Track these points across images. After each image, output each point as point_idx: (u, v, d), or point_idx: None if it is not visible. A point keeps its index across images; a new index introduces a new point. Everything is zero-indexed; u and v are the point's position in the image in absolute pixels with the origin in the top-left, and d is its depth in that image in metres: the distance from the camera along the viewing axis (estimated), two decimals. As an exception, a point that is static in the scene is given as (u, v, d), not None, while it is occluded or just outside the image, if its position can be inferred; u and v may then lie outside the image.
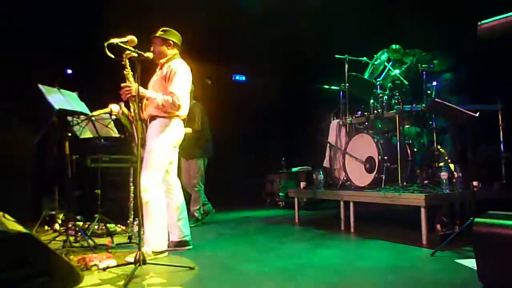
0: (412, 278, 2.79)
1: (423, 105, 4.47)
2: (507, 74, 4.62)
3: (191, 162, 5.37)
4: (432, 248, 3.33)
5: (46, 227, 4.88)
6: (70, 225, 3.90)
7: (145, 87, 3.60)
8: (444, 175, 3.97)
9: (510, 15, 1.36)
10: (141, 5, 5.98)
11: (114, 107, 3.66)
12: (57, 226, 4.76)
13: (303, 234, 4.63)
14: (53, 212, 4.99)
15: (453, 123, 4.20)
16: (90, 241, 3.75)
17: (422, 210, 3.66)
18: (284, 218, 5.95)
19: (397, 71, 4.91)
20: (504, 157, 4.50)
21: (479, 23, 1.43)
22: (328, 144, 5.43)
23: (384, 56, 5.08)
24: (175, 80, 3.51)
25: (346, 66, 5.04)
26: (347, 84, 5.06)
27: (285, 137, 7.69)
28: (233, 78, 9.05)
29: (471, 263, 2.73)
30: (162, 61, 3.70)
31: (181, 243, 3.74)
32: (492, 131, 4.57)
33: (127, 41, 3.13)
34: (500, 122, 4.56)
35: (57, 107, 3.58)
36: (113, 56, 3.11)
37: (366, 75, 5.15)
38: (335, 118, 5.51)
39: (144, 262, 2.84)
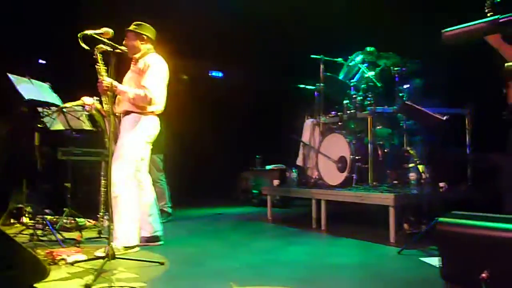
0: (379, 274, 2.88)
1: (395, 107, 4.57)
2: (475, 79, 4.77)
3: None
4: (399, 246, 3.42)
5: (12, 220, 4.75)
6: (38, 219, 3.82)
7: (120, 81, 3.54)
8: (412, 175, 4.08)
9: (470, 25, 1.45)
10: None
11: (87, 100, 3.61)
12: (24, 219, 4.65)
13: (275, 231, 4.68)
14: (21, 205, 4.87)
15: (422, 125, 4.31)
16: (58, 235, 3.69)
17: (391, 209, 3.75)
18: (256, 215, 5.99)
19: (371, 73, 4.99)
20: (470, 160, 4.65)
21: (442, 31, 1.51)
22: (302, 143, 5.49)
23: (359, 58, 5.15)
24: (149, 74, 3.47)
25: (322, 66, 5.10)
26: (322, 84, 5.12)
27: (260, 135, 7.71)
28: (210, 74, 9.01)
29: (435, 261, 2.83)
30: (136, 56, 3.64)
31: (152, 239, 3.71)
32: (460, 134, 4.71)
33: (102, 33, 3.07)
34: (468, 126, 4.71)
35: (26, 97, 3.50)
36: (87, 48, 3.04)
37: (340, 76, 5.22)
38: (309, 117, 5.56)
39: (114, 257, 2.81)
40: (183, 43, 6.64)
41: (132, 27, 3.62)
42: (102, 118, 3.68)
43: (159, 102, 3.59)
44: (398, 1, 5.78)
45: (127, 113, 3.54)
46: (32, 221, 3.97)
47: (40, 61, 5.19)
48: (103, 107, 3.48)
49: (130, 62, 3.72)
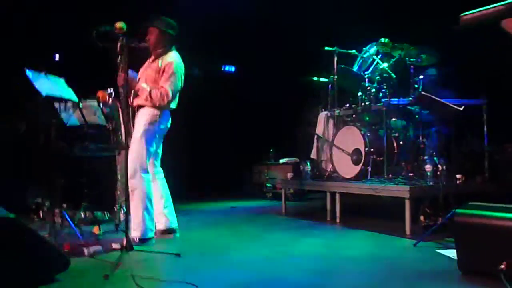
0: (395, 267, 2.85)
1: (410, 98, 4.53)
2: (491, 69, 4.69)
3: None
4: (415, 238, 3.40)
5: (31, 215, 4.84)
6: (56, 212, 3.88)
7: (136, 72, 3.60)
8: (428, 167, 4.04)
9: (488, 8, 1.43)
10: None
11: (102, 94, 3.64)
12: (43, 214, 4.73)
13: (289, 224, 4.68)
14: (39, 200, 4.96)
15: (438, 116, 4.26)
16: (76, 228, 3.74)
17: (407, 201, 3.73)
18: (270, 208, 6.00)
19: (385, 65, 4.94)
20: (487, 151, 4.59)
21: (461, 14, 1.50)
22: (315, 136, 5.47)
23: (373, 49, 5.11)
24: (169, 76, 3.52)
25: (335, 58, 5.06)
26: (336, 77, 5.09)
27: (274, 128, 7.70)
28: (223, 69, 9.02)
29: (452, 253, 2.81)
30: (158, 50, 3.66)
31: (168, 231, 3.76)
32: (476, 125, 4.64)
33: (115, 28, 3.10)
34: (484, 117, 4.64)
35: (44, 93, 3.54)
36: (101, 44, 3.08)
37: (355, 68, 5.18)
38: (323, 110, 5.54)
39: (131, 249, 2.85)
40: (195, 37, 6.65)
41: (156, 23, 3.62)
42: (118, 111, 3.73)
43: (175, 98, 3.63)
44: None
45: (141, 107, 3.58)
46: (51, 216, 4.04)
47: (56, 56, 5.25)
48: (119, 100, 3.53)
49: (144, 54, 3.73)
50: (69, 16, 5.74)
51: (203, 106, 7.68)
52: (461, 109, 3.29)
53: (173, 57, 3.61)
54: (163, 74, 3.53)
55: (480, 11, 1.43)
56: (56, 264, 2.47)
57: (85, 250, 3.06)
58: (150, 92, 3.49)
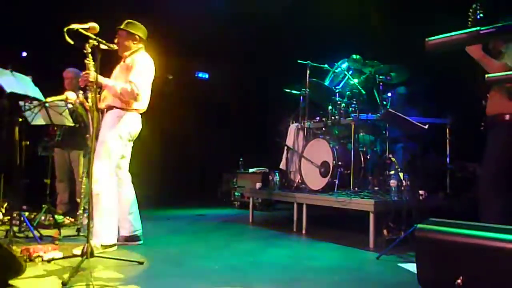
0: (358, 278, 2.91)
1: (378, 114, 4.64)
2: (456, 90, 4.88)
3: (76, 153, 4.91)
4: (378, 251, 3.46)
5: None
6: (14, 214, 3.74)
7: (106, 77, 3.54)
8: (393, 183, 4.14)
9: (452, 35, 1.50)
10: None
11: (71, 95, 3.57)
12: (0, 215, 4.55)
13: (256, 234, 4.68)
14: (-3, 201, 4.77)
15: (404, 133, 4.38)
16: (35, 232, 3.62)
17: (371, 215, 3.80)
18: (238, 217, 5.98)
19: (356, 80, 5.06)
20: (449, 169, 4.74)
21: (426, 39, 1.57)
22: (285, 147, 5.51)
23: (344, 65, 5.22)
24: (135, 70, 3.47)
25: (308, 71, 5.14)
26: (308, 89, 5.16)
27: (244, 137, 7.72)
28: (196, 75, 8.99)
29: (413, 267, 2.87)
30: (126, 53, 3.63)
31: (132, 238, 3.67)
32: (440, 143, 4.80)
33: (88, 28, 3.04)
34: (448, 136, 4.81)
35: (8, 90, 3.43)
36: (72, 42, 3.01)
37: (326, 82, 5.27)
38: (294, 121, 5.60)
39: (92, 255, 2.77)
40: (170, 43, 6.62)
41: (124, 26, 3.61)
42: (85, 112, 3.65)
43: (144, 98, 3.58)
44: (384, 11, 5.89)
45: (110, 108, 3.52)
46: (8, 217, 3.89)
47: (23, 53, 5.10)
48: (87, 102, 3.46)
49: (117, 58, 3.71)
50: (39, 14, 5.60)
51: (174, 112, 7.63)
52: (426, 127, 3.39)
53: (141, 54, 3.60)
54: (131, 70, 3.49)
55: (445, 37, 1.49)
56: (10, 269, 2.37)
57: (43, 255, 2.95)
58: (118, 88, 3.43)
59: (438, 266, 2.26)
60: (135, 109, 3.57)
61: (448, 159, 4.79)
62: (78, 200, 4.71)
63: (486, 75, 1.97)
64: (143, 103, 3.61)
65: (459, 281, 2.07)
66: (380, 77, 4.74)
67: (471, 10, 2.54)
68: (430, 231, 2.32)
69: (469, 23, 2.60)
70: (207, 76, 9.10)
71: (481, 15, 2.43)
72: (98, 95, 3.39)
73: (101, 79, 3.37)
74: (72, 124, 4.20)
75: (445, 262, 2.22)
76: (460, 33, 1.47)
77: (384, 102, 4.76)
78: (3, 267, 2.34)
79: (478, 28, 1.42)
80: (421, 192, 4.09)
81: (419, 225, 2.39)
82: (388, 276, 2.96)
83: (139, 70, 3.48)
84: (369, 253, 3.60)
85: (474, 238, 2.12)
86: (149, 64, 3.62)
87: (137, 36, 3.64)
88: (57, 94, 3.80)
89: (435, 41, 1.51)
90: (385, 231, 3.98)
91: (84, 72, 3.28)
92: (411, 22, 5.49)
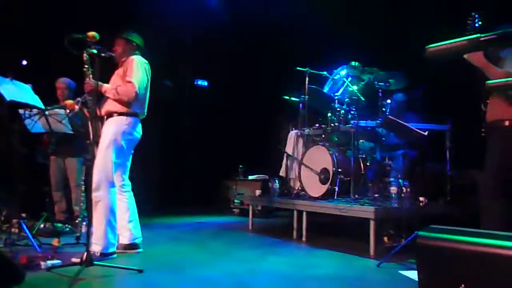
0: (358, 286, 2.89)
1: (378, 121, 4.64)
2: (456, 96, 4.88)
3: (72, 160, 4.95)
4: (379, 259, 3.44)
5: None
6: (14, 222, 3.73)
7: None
8: (393, 189, 4.14)
9: (452, 42, 1.51)
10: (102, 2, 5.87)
11: (70, 103, 3.57)
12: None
13: (256, 241, 4.66)
14: (-4, 208, 4.75)
15: (404, 140, 4.38)
16: (34, 240, 3.60)
17: (371, 222, 3.79)
18: (237, 224, 5.96)
19: (355, 87, 5.07)
20: (449, 175, 4.74)
21: (426, 46, 1.57)
22: (285, 154, 5.51)
23: (343, 72, 5.23)
24: (132, 70, 3.51)
25: (307, 79, 5.15)
26: (307, 97, 5.17)
27: (244, 144, 7.72)
28: (195, 83, 9.01)
29: (414, 274, 2.86)
30: (122, 60, 3.68)
31: (131, 246, 3.65)
32: (440, 150, 4.80)
33: (87, 37, 3.07)
34: (448, 142, 4.81)
35: (8, 98, 3.43)
36: (73, 51, 3.05)
37: (325, 89, 5.28)
38: (293, 128, 5.60)
39: (91, 263, 2.76)
40: (168, 51, 6.65)
41: (122, 34, 3.68)
42: (86, 118, 3.67)
43: (143, 104, 3.61)
44: (383, 18, 5.91)
45: (110, 115, 3.52)
46: (7, 225, 3.87)
47: (23, 62, 5.11)
48: (87, 107, 3.50)
49: (115, 67, 3.74)
50: (40, 23, 5.62)
51: (174, 120, 7.64)
52: (426, 134, 3.39)
53: (134, 56, 3.64)
54: (126, 72, 3.51)
55: (445, 44, 1.50)
56: (9, 277, 2.35)
57: (42, 263, 2.93)
58: (116, 89, 3.48)
59: (440, 274, 2.24)
60: (135, 114, 3.58)
61: (448, 165, 4.79)
62: (76, 208, 4.71)
63: (487, 82, 1.97)
64: (142, 106, 3.64)
65: (461, 288, 2.05)
66: (379, 83, 4.75)
67: (470, 19, 2.55)
68: (431, 238, 2.31)
69: (467, 31, 2.60)
70: (206, 83, 9.12)
71: (480, 23, 2.44)
72: (96, 102, 3.40)
73: (101, 84, 3.45)
74: (72, 132, 4.20)
75: (447, 270, 2.21)
76: (460, 40, 1.48)
77: (383, 109, 4.77)
78: (2, 276, 2.32)
79: (478, 35, 1.43)
80: (421, 199, 4.08)
81: (421, 232, 2.38)
82: (389, 284, 2.94)
83: (134, 68, 3.52)
84: (370, 261, 3.58)
85: (477, 246, 2.11)
86: (143, 61, 3.65)
87: (134, 44, 3.71)
88: (57, 103, 3.81)
89: (435, 48, 1.52)
90: (385, 238, 3.96)
91: (86, 81, 3.35)
92: (409, 29, 5.51)
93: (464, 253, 2.15)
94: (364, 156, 4.79)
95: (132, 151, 3.68)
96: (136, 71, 3.51)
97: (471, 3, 2.81)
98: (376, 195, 4.40)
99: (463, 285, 2.07)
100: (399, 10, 5.75)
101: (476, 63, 2.80)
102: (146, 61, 3.69)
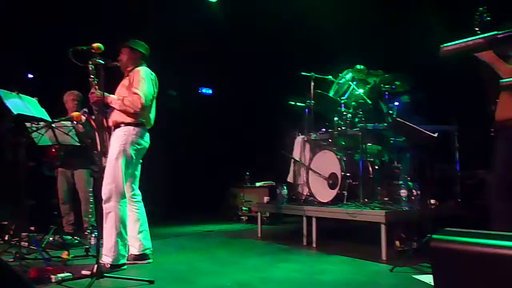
0: (372, 293, 2.84)
1: (385, 124, 4.61)
2: (463, 96, 4.84)
3: (81, 172, 4.99)
4: (391, 263, 3.40)
5: (-4, 238, 4.63)
6: (23, 236, 3.72)
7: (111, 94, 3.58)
8: (403, 192, 4.09)
9: (467, 40, 1.49)
10: (106, 12, 5.90)
11: (77, 114, 3.58)
12: (8, 237, 4.53)
13: (265, 249, 4.62)
14: (5, 222, 4.75)
15: (412, 142, 4.34)
16: (44, 253, 3.59)
17: (382, 226, 3.74)
18: (246, 232, 5.92)
19: (361, 91, 5.04)
20: (459, 176, 4.69)
21: (441, 46, 1.55)
22: (292, 160, 5.48)
23: (349, 76, 5.20)
24: (138, 81, 3.51)
25: (312, 83, 5.13)
26: (313, 101, 5.15)
27: (250, 151, 7.70)
28: (200, 91, 9.03)
29: (428, 278, 2.81)
30: (128, 69, 3.68)
31: (141, 257, 3.64)
32: (449, 151, 4.75)
33: (92, 48, 3.07)
34: (456, 143, 4.76)
35: (15, 112, 3.44)
36: (78, 63, 3.05)
37: (331, 93, 5.26)
38: (299, 134, 5.57)
39: (102, 275, 2.74)
40: (173, 60, 6.66)
41: (127, 43, 3.68)
42: (93, 131, 3.67)
43: (150, 113, 3.60)
44: (388, 20, 5.89)
45: (117, 125, 3.52)
46: (17, 239, 3.86)
47: (29, 75, 5.14)
48: (93, 118, 3.50)
49: (119, 77, 3.75)
50: (45, 36, 5.65)
51: (180, 128, 7.63)
52: (436, 135, 3.35)
53: (142, 68, 3.64)
54: (132, 83, 3.51)
55: (460, 42, 1.48)
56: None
57: (53, 277, 2.92)
58: (122, 100, 3.47)
59: (456, 277, 2.20)
60: (142, 124, 3.57)
61: (457, 166, 4.74)
62: (86, 219, 4.70)
63: (501, 80, 1.94)
64: (149, 117, 3.63)
65: (478, 292, 2.01)
66: (385, 86, 4.72)
67: (477, 13, 2.51)
68: (446, 241, 2.27)
69: (475, 27, 2.56)
70: (210, 91, 9.14)
71: (488, 18, 2.40)
72: (103, 113, 3.40)
73: (107, 95, 3.44)
74: (78, 144, 4.20)
75: (463, 273, 2.16)
76: (476, 38, 1.45)
77: (390, 111, 4.73)
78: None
79: (495, 32, 1.40)
80: (432, 201, 4.03)
81: (435, 235, 2.34)
82: (403, 289, 2.89)
83: (140, 79, 3.52)
84: (382, 265, 3.54)
85: (493, 248, 2.07)
86: (149, 72, 3.66)
87: (139, 53, 3.70)
88: (63, 115, 3.81)
89: (450, 47, 1.49)
90: (397, 242, 3.92)
91: (90, 92, 3.34)
92: (414, 29, 5.49)
93: (481, 256, 2.11)
94: (372, 159, 4.75)
95: (141, 161, 3.68)
96: (143, 83, 3.51)
97: (472, 3, 2.79)
98: (386, 199, 4.35)
99: (481, 289, 2.03)
100: (403, 12, 5.74)
101: (486, 59, 2.76)
102: (153, 73, 3.69)
